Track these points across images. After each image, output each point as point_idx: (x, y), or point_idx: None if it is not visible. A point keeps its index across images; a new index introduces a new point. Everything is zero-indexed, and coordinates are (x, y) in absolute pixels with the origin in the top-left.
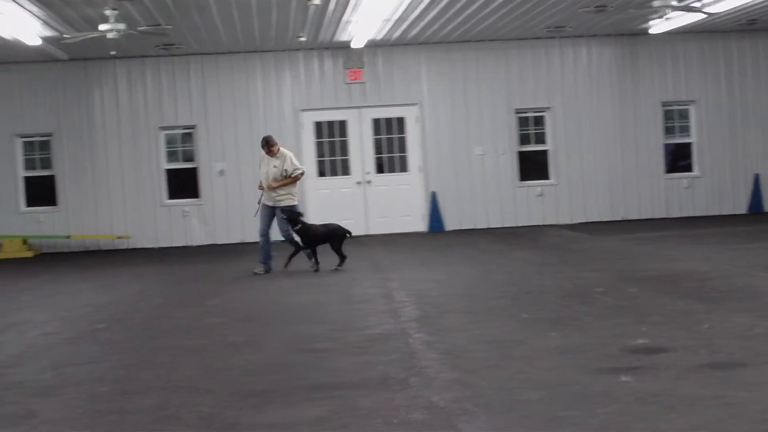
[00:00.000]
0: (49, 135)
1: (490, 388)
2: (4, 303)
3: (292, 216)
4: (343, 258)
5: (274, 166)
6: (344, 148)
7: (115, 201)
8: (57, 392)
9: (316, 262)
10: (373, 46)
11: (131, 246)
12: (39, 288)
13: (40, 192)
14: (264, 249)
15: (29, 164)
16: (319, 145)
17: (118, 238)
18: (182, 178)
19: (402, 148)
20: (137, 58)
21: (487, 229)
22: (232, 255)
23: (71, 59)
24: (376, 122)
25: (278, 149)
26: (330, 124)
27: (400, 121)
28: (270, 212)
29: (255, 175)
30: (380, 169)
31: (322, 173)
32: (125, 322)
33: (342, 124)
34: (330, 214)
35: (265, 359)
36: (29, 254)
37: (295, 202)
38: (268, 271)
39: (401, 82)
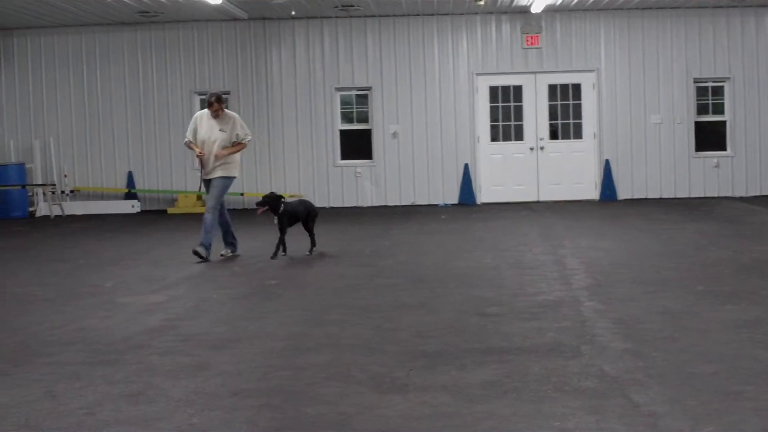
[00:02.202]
0: (227, 93)
1: (664, 360)
2: (178, 256)
3: (272, 202)
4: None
5: (221, 130)
6: (518, 114)
7: (290, 160)
8: (230, 345)
9: (284, 250)
10: (551, 11)
11: None
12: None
13: None
14: (223, 227)
15: None
16: (494, 110)
17: (291, 196)
18: (355, 139)
19: (577, 114)
20: (315, 18)
21: (660, 199)
22: (403, 217)
23: (251, 18)
24: (552, 88)
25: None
26: (505, 88)
27: (576, 87)
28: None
29: (427, 138)
30: (554, 135)
31: (495, 138)
32: (297, 279)
33: (517, 89)
34: (502, 179)
35: (437, 321)
36: (203, 210)
37: (237, 174)
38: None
39: (579, 48)
